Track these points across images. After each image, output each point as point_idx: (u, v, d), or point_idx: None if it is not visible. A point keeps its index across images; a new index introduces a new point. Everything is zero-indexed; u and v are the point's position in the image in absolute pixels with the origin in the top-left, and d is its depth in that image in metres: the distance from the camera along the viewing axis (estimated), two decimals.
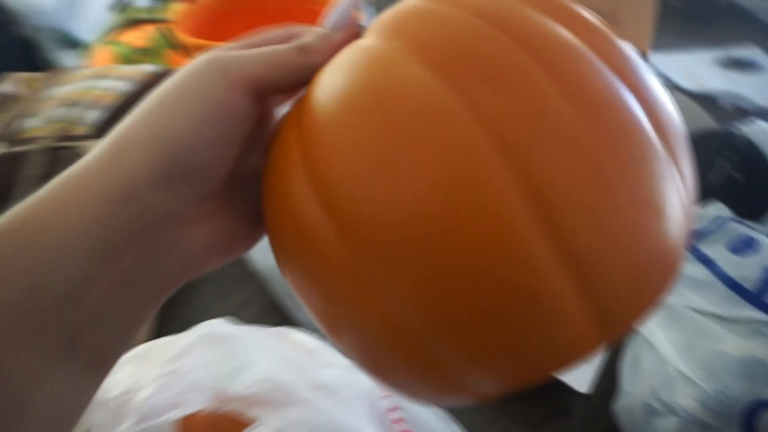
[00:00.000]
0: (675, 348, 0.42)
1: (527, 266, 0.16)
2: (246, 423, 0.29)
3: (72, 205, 0.18)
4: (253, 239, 0.24)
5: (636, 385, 0.43)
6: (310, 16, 0.76)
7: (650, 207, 0.17)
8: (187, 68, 0.21)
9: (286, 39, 0.22)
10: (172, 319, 0.46)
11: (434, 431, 0.35)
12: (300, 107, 0.20)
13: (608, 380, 0.47)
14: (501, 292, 0.16)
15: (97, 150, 0.20)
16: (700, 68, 1.04)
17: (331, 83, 0.19)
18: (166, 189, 0.19)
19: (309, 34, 0.22)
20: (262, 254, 0.51)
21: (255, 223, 0.23)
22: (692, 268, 0.46)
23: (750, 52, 1.04)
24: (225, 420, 0.29)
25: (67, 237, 0.18)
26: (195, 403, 0.29)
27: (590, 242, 0.16)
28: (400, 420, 0.32)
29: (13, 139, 0.59)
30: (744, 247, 0.45)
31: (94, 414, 0.31)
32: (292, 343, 0.37)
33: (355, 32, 0.23)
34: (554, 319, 0.16)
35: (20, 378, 0.17)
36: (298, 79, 0.21)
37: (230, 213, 0.23)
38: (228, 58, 0.20)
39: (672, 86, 0.92)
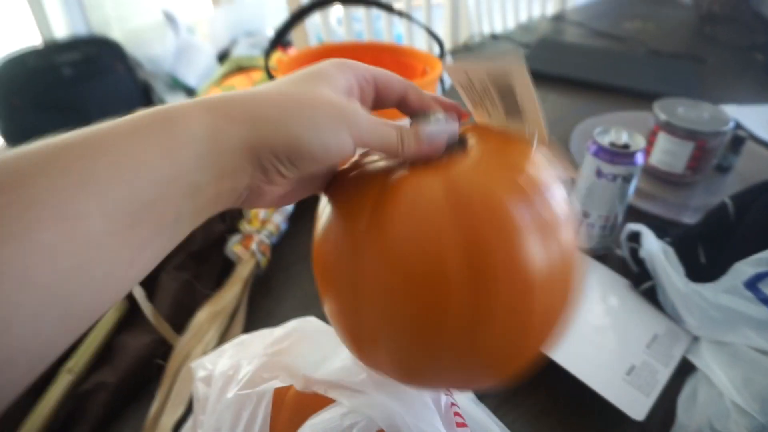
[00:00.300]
0: (732, 383, 0.44)
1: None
2: (326, 402, 0.34)
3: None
4: (294, 201, 0.31)
5: (692, 417, 0.45)
6: (402, 69, 0.85)
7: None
8: (324, 95, 0.26)
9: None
10: (260, 324, 0.52)
11: (482, 425, 0.38)
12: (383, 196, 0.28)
13: (666, 413, 0.48)
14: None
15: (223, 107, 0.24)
16: None
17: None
18: (276, 164, 0.25)
19: (412, 136, 0.29)
20: None
21: (300, 196, 0.31)
22: (754, 309, 0.48)
23: None
24: (309, 398, 0.35)
25: (199, 151, 0.23)
26: (287, 381, 0.35)
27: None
28: (457, 414, 0.36)
29: None
30: None
31: (206, 387, 0.38)
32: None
33: (440, 151, 0.30)
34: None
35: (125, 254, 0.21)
36: (386, 153, 0.29)
37: (293, 189, 0.30)
38: (356, 115, 0.27)
39: (752, 138, 0.92)
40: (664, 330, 0.58)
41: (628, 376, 0.51)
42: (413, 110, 0.32)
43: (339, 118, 0.26)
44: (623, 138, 0.63)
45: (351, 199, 0.29)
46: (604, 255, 0.69)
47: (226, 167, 0.24)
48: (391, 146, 0.28)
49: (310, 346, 0.38)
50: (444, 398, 0.37)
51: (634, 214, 0.76)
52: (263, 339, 0.39)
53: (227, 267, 0.61)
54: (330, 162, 0.26)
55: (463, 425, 0.36)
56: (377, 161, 0.31)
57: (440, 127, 0.30)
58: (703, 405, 0.45)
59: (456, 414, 0.36)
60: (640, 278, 0.62)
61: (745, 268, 0.50)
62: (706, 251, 0.59)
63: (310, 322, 0.40)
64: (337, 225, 0.29)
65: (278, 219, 0.64)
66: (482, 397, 0.50)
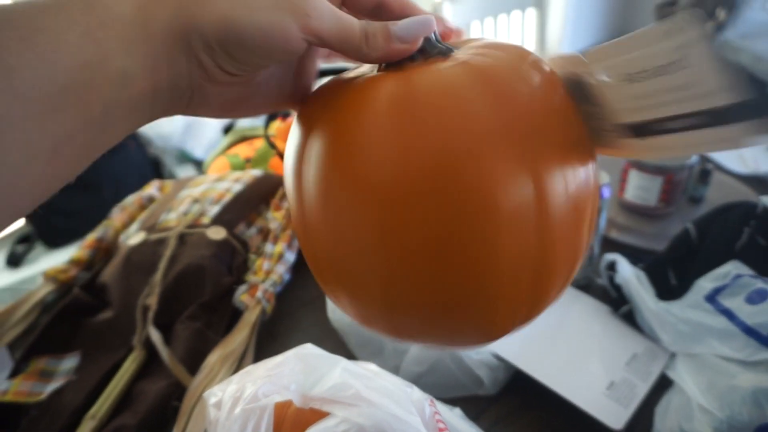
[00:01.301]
0: (699, 387, 0.48)
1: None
2: (323, 416, 0.39)
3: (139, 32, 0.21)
4: (253, 113, 0.28)
5: (665, 423, 0.48)
6: None
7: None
8: None
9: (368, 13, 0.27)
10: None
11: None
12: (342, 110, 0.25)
13: (645, 423, 0.52)
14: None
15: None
16: (754, 153, 1.09)
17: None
18: (211, 54, 0.22)
19: (379, 31, 0.25)
20: (340, 314, 0.62)
21: (259, 106, 0.28)
22: (715, 320, 0.52)
23: None
24: (307, 413, 0.39)
25: (135, 36, 0.20)
26: (286, 396, 0.39)
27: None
28: (439, 421, 0.41)
29: (155, 228, 0.76)
30: (758, 298, 0.50)
31: (216, 410, 0.42)
32: (360, 367, 0.47)
33: (413, 48, 0.26)
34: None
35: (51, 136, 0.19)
36: (348, 54, 0.25)
37: (246, 94, 0.27)
38: (311, 4, 0.22)
39: (719, 168, 0.98)
40: (642, 349, 0.62)
41: (608, 390, 0.54)
42: (393, 18, 0.26)
43: (281, 1, 0.22)
44: None
45: (316, 111, 0.26)
46: (586, 285, 0.74)
47: (159, 55, 0.21)
48: (352, 41, 0.24)
49: (307, 367, 0.43)
50: (428, 408, 0.41)
51: (614, 246, 0.81)
52: (265, 365, 0.43)
53: (236, 316, 0.67)
54: (274, 55, 0.23)
55: (444, 430, 0.40)
56: (354, 77, 0.27)
57: (414, 22, 0.25)
58: (675, 411, 0.48)
59: (438, 421, 0.41)
60: (618, 303, 0.66)
61: (705, 284, 0.55)
62: (676, 273, 0.64)
63: (307, 347, 0.45)
64: (302, 142, 0.26)
65: (281, 269, 0.70)
66: (477, 417, 0.54)
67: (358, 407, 0.39)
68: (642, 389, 0.55)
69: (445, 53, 0.27)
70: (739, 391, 0.44)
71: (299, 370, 0.42)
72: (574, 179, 0.25)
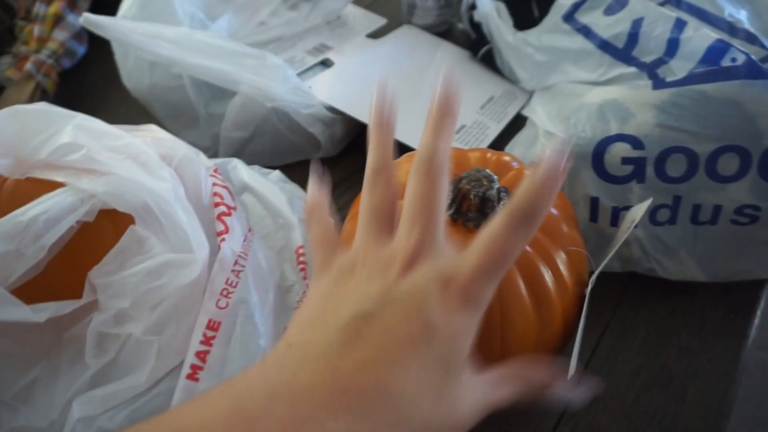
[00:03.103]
0: (548, 115, 0.42)
1: None
2: (53, 186, 0.29)
3: None
4: None
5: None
6: None
7: None
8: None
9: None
10: None
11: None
12: None
13: None
14: None
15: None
16: None
17: None
18: None
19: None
20: (137, 79, 0.49)
21: None
22: (572, 40, 0.45)
23: None
24: (25, 185, 0.29)
25: None
26: None
27: None
28: (218, 186, 0.33)
29: None
30: (617, 6, 0.43)
31: None
32: (142, 132, 0.36)
33: None
34: None
35: None
36: None
37: None
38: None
39: None
40: (501, 92, 0.56)
41: (457, 134, 0.49)
42: None
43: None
44: None
45: None
46: (446, 31, 0.65)
47: None
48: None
49: (25, 129, 0.31)
50: (207, 179, 0.33)
51: None
52: None
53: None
54: None
55: (219, 204, 0.32)
56: None
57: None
58: (521, 143, 0.44)
59: (216, 187, 0.33)
60: (478, 44, 0.58)
61: (563, 2, 0.47)
62: (539, 4, 0.55)
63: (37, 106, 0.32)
64: None
65: (62, 36, 0.54)
66: None
67: (91, 174, 0.29)
68: (494, 130, 0.51)
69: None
70: (586, 108, 0.39)
71: (13, 133, 0.30)
72: None
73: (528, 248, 0.29)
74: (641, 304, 0.42)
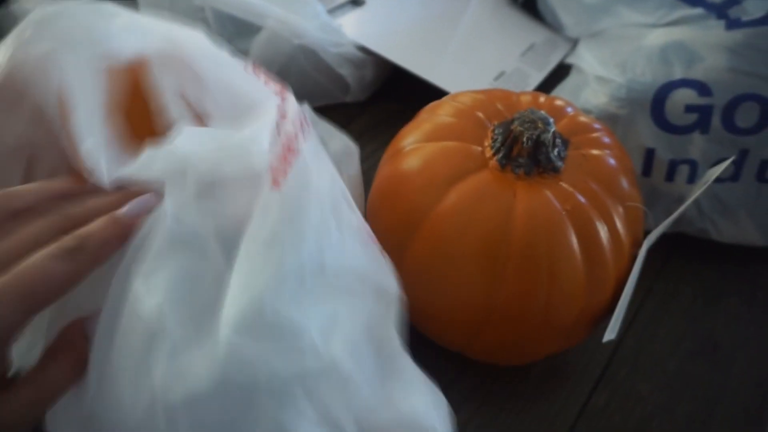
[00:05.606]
0: (599, 61, 0.39)
1: None
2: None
3: None
4: None
5: None
6: None
7: None
8: None
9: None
10: None
11: None
12: None
13: None
14: None
15: None
16: None
17: None
18: None
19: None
20: (160, 6, 0.46)
21: None
22: None
23: None
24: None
25: None
26: None
27: None
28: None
29: None
30: None
31: None
32: None
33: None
34: None
35: None
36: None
37: None
38: None
39: None
40: (542, 39, 0.52)
41: (496, 81, 0.45)
42: None
43: None
44: None
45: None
46: None
47: None
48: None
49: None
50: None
51: None
52: None
53: None
54: None
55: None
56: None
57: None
58: (569, 91, 0.41)
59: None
60: None
61: None
62: None
63: None
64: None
65: None
66: (341, 129, 0.44)
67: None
68: (536, 78, 0.47)
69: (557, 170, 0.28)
70: (645, 50, 0.35)
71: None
72: None
73: (582, 199, 0.27)
74: (688, 268, 0.39)
